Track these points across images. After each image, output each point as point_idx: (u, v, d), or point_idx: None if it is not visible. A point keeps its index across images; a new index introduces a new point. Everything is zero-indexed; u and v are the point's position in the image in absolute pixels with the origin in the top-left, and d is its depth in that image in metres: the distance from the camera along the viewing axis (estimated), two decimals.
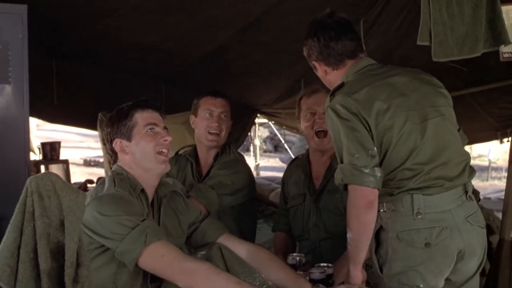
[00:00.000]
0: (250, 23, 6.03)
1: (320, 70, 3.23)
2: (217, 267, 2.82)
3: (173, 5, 5.53)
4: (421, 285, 2.95)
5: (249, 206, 4.06)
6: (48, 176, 2.55)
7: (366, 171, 2.87)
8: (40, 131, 16.24)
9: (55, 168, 7.06)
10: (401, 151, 2.96)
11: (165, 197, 3.14)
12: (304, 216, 3.66)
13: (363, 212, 2.91)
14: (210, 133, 3.98)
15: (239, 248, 3.13)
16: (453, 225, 2.94)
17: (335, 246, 3.53)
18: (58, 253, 2.43)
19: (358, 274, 3.00)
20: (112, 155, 3.10)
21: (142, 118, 3.02)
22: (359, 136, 2.91)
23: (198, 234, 3.21)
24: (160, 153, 3.03)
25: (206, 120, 3.99)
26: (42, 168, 7.05)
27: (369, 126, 2.94)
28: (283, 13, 5.85)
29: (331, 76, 3.21)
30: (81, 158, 17.91)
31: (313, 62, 3.24)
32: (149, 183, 3.06)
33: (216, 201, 3.77)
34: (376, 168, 2.90)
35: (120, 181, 2.94)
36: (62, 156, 7.54)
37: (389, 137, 2.95)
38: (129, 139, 3.01)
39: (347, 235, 2.97)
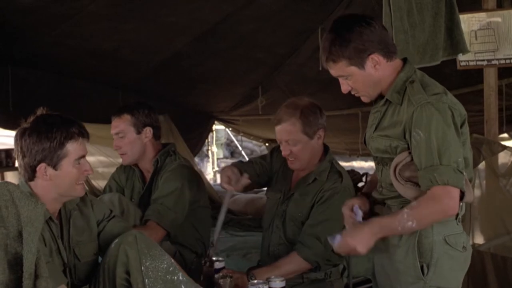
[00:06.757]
0: (207, 31, 6.03)
1: (370, 65, 2.78)
2: None
3: (129, 12, 5.50)
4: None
5: (201, 212, 4.05)
6: (5, 185, 2.51)
7: (464, 173, 2.74)
8: None
9: (10, 175, 6.92)
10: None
11: (74, 210, 3.07)
12: (273, 215, 3.67)
13: (445, 215, 2.77)
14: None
15: None
16: None
17: (290, 251, 3.54)
18: (16, 264, 2.40)
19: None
20: (27, 172, 2.89)
21: (74, 150, 2.89)
22: (458, 140, 2.76)
23: (106, 233, 3.16)
24: (79, 183, 2.98)
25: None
26: None
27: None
28: (240, 21, 5.86)
29: (381, 70, 2.79)
30: None
31: (369, 56, 2.75)
32: (57, 203, 2.99)
33: (178, 222, 3.80)
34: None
35: None
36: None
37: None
38: (55, 167, 2.89)
39: (408, 223, 2.71)
